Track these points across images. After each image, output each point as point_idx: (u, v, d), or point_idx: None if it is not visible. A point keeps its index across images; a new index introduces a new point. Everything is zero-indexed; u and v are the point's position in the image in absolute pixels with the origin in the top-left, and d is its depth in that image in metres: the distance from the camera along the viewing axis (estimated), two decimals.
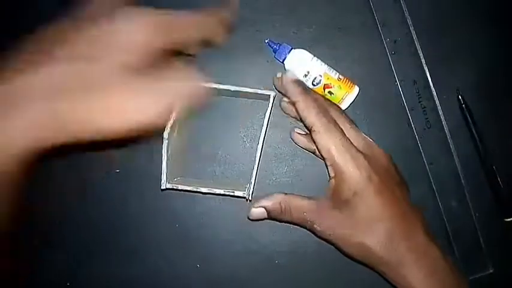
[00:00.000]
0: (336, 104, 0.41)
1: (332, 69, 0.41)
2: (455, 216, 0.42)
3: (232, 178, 0.44)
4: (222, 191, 0.39)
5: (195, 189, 0.39)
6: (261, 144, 0.38)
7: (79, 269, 0.43)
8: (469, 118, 0.42)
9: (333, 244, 0.37)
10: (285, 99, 0.41)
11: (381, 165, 0.37)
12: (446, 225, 0.43)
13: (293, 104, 0.38)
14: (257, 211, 0.38)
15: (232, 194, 0.39)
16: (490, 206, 0.43)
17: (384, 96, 0.44)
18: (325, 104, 0.39)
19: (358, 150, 0.36)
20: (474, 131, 0.42)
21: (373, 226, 0.35)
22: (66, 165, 0.44)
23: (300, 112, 0.37)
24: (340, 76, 0.41)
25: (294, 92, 0.38)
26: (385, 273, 0.36)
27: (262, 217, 0.39)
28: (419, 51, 0.42)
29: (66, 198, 0.44)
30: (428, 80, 0.42)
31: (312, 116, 0.36)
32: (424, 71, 0.42)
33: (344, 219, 0.35)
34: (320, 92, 0.41)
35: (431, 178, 0.43)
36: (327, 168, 0.37)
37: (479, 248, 0.42)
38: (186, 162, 0.44)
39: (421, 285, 0.34)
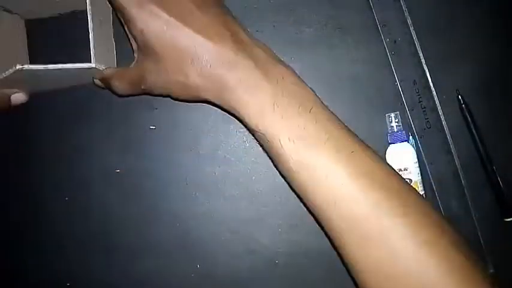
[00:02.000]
0: None
1: (421, 184, 0.42)
2: (455, 216, 0.42)
3: (233, 178, 0.44)
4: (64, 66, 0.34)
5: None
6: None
7: (79, 269, 0.43)
8: (469, 118, 0.42)
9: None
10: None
11: None
12: None
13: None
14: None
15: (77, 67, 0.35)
16: (490, 206, 0.43)
17: (384, 96, 0.44)
18: None
19: None
20: (474, 131, 0.42)
21: (168, 56, 0.32)
22: (67, 164, 0.44)
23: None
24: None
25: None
26: (220, 104, 0.33)
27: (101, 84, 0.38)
28: (419, 51, 0.42)
29: (66, 198, 0.44)
30: (428, 80, 0.42)
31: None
32: (424, 71, 0.42)
33: (152, 65, 0.33)
34: None
35: (431, 178, 0.43)
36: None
37: (480, 248, 0.42)
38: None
39: (252, 107, 0.31)
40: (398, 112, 0.43)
